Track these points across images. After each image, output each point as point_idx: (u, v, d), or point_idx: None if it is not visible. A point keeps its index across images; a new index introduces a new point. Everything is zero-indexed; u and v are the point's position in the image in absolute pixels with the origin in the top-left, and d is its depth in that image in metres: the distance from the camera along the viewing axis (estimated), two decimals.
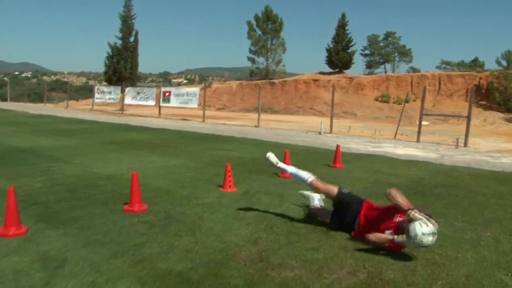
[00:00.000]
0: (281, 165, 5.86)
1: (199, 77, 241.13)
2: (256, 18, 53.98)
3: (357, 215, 5.04)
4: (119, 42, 55.60)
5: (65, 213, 5.58)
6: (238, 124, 24.07)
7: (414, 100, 38.84)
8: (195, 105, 26.04)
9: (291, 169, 5.80)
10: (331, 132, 19.63)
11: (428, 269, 4.11)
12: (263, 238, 4.85)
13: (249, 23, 54.07)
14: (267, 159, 5.83)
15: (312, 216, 5.60)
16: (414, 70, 68.17)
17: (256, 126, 21.96)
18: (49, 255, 4.18)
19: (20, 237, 4.65)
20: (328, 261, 4.24)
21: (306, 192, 6.13)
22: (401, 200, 4.70)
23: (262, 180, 8.00)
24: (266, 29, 53.17)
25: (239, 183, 7.46)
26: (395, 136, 18.38)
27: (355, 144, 15.01)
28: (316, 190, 5.62)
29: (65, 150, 11.21)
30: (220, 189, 7.11)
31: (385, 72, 67.41)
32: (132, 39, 55.82)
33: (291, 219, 5.61)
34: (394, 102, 39.93)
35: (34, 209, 5.67)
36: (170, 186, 7.24)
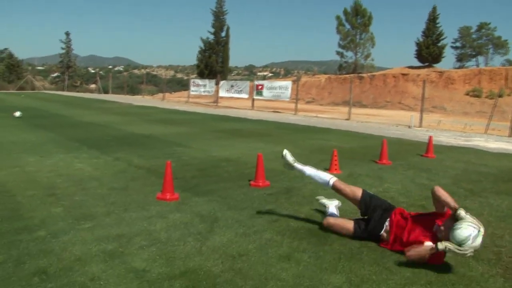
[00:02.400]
0: (298, 165, 5.34)
1: (284, 70, 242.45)
2: (345, 12, 54.40)
3: (385, 222, 4.56)
4: (211, 37, 57.76)
5: (203, 186, 6.86)
6: (329, 117, 24.96)
7: (509, 95, 37.84)
8: (287, 98, 27.18)
9: (309, 170, 5.25)
10: (420, 125, 20.09)
11: None
12: None
13: (338, 17, 54.64)
14: (284, 157, 5.33)
15: (327, 229, 4.87)
16: (510, 63, 65.60)
17: (347, 119, 22.77)
18: (203, 214, 5.41)
19: (175, 201, 5.94)
20: None
21: (324, 200, 5.57)
22: (449, 197, 4.23)
23: (362, 166, 8.99)
24: (355, 23, 53.46)
25: (342, 167, 8.47)
26: (486, 130, 18.56)
27: (445, 138, 15.52)
28: (339, 192, 5.04)
29: (181, 136, 12.70)
30: (327, 171, 8.13)
31: (477, 65, 65.40)
32: (223, 33, 57.80)
33: (392, 196, 6.59)
34: (486, 97, 39.05)
35: (176, 182, 6.89)
36: (283, 168, 8.34)
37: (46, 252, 4.10)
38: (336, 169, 8.14)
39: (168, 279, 3.65)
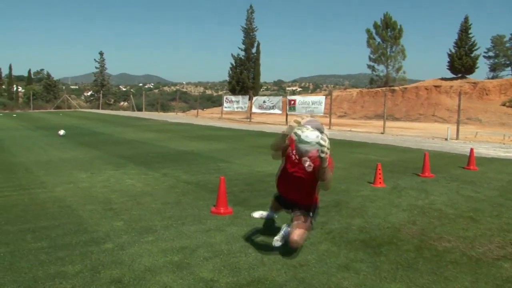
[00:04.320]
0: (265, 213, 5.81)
1: (313, 85, 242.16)
2: (375, 26, 54.27)
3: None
4: (242, 53, 58.30)
5: (253, 200, 7.09)
6: (363, 131, 24.98)
7: None
8: (321, 113, 27.28)
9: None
10: (457, 138, 19.95)
11: None
12: (419, 220, 5.99)
13: (368, 31, 54.50)
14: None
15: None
16: None
17: (382, 133, 22.76)
18: (258, 227, 5.62)
19: (229, 215, 6.16)
20: (478, 238, 5.29)
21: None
22: None
23: (404, 179, 9.09)
24: (386, 36, 53.27)
25: (385, 180, 8.58)
26: None
27: (484, 149, 15.41)
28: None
29: (222, 152, 12.98)
30: (371, 185, 8.31)
31: None
32: (254, 50, 58.31)
33: (439, 208, 6.70)
34: None
35: (226, 196, 7.18)
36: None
37: (117, 263, 4.36)
38: (380, 183, 8.27)
39: None
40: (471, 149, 11.08)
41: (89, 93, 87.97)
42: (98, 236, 5.20)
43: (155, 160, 11.29)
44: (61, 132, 18.00)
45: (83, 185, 8.13)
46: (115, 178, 8.88)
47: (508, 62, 68.86)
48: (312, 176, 4.53)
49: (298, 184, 4.64)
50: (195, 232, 5.40)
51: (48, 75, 75.75)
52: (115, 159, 11.40)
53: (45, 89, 71.29)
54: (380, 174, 8.36)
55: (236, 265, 4.37)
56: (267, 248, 4.81)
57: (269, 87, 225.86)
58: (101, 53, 74.52)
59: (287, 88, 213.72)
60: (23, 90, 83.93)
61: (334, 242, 5.06)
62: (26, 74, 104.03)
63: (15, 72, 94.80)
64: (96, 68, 73.67)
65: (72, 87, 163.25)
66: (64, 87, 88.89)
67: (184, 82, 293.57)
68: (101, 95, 62.41)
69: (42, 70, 79.94)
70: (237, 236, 5.26)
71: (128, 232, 5.34)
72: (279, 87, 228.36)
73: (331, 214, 6.25)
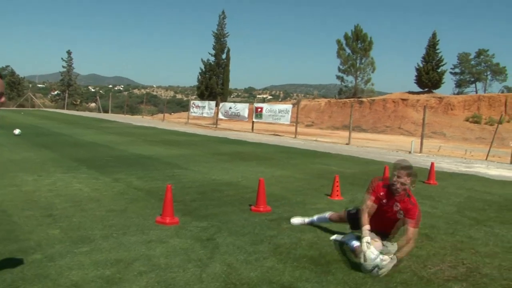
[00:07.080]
0: (307, 220, 6.15)
1: (284, 93, 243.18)
2: (346, 37, 54.70)
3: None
4: (212, 58, 58.07)
5: (203, 210, 6.75)
6: (329, 141, 24.89)
7: (508, 121, 37.96)
8: (287, 122, 27.13)
9: (315, 217, 6.11)
10: (421, 151, 20.00)
11: None
12: None
13: (339, 42, 54.92)
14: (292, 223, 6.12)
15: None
16: (509, 89, 66.12)
17: (347, 144, 22.69)
18: (203, 239, 5.30)
19: (175, 225, 5.82)
20: (431, 257, 5.08)
21: (338, 237, 5.58)
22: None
23: (364, 192, 8.83)
24: (356, 48, 53.73)
25: (343, 193, 8.36)
26: (486, 157, 18.49)
27: (446, 164, 15.43)
28: (336, 221, 5.83)
29: (181, 158, 12.61)
30: (328, 197, 8.07)
31: (476, 91, 65.86)
32: (224, 56, 58.10)
33: None
34: (486, 123, 39.11)
35: (176, 205, 6.76)
36: (284, 193, 8.28)
37: (41, 277, 3.98)
38: (337, 195, 8.04)
39: None
40: (432, 163, 10.98)
41: (55, 93, 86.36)
42: (28, 245, 4.79)
43: (110, 164, 10.87)
44: (17, 131, 17.32)
45: (27, 189, 7.68)
46: (63, 181, 8.44)
47: (472, 79, 70.57)
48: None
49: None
50: (135, 243, 5.04)
51: (12, 72, 74.03)
52: (68, 162, 10.93)
53: (8, 86, 69.60)
54: (337, 186, 8.13)
55: (171, 281, 4.04)
56: (207, 263, 4.50)
57: (240, 94, 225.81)
58: (69, 52, 73.32)
59: (258, 96, 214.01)
60: None
61: (280, 258, 4.77)
62: None
63: None
64: (63, 67, 72.42)
65: (40, 85, 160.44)
66: (30, 85, 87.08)
67: (154, 86, 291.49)
68: (66, 95, 61.22)
69: (7, 66, 77.89)
70: (178, 249, 4.92)
71: (63, 242, 4.95)
72: (249, 94, 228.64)
73: (282, 228, 5.95)
